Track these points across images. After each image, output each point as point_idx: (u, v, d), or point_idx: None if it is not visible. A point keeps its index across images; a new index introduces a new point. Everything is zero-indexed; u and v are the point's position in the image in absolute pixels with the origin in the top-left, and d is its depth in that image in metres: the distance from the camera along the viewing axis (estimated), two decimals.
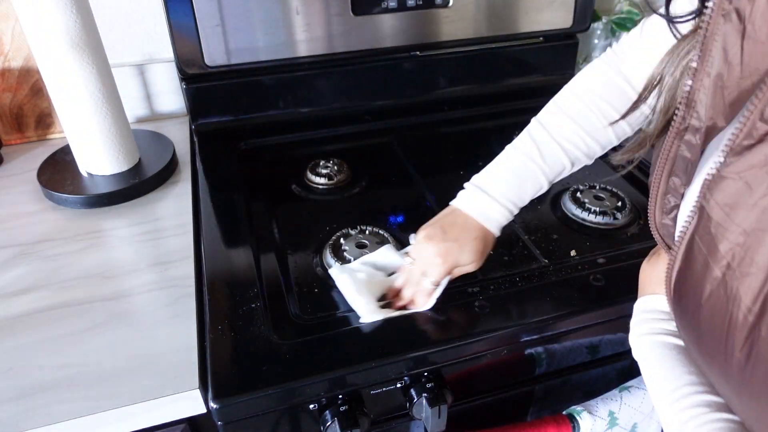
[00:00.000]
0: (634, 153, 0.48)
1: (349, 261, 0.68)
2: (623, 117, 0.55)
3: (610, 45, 1.29)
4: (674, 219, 0.42)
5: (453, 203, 0.62)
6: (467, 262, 0.60)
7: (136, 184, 0.82)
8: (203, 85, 0.94)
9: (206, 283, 0.65)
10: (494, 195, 0.60)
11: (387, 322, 0.59)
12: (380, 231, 0.72)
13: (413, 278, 0.61)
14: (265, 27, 0.89)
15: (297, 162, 0.90)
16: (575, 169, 0.63)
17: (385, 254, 0.66)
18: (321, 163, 0.88)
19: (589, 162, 0.63)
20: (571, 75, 1.16)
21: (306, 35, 0.92)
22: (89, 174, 0.83)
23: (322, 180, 0.86)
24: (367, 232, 0.73)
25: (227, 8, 0.86)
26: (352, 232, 0.72)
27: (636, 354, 0.47)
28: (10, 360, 0.57)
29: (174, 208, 0.80)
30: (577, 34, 1.10)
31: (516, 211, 0.61)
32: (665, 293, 0.42)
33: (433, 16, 0.96)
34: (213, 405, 0.52)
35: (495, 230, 0.61)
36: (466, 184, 0.63)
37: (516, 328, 0.60)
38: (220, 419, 0.53)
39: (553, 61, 1.12)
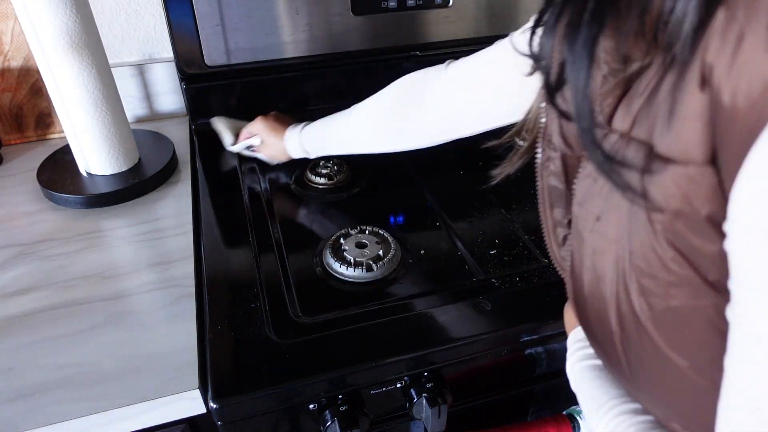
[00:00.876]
0: (507, 170, 0.51)
1: (349, 261, 0.68)
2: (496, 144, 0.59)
3: None
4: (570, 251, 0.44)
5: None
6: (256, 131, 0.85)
7: (136, 184, 0.82)
8: (203, 85, 0.94)
9: (206, 283, 0.65)
10: (303, 138, 0.80)
11: (388, 323, 0.60)
12: (380, 231, 0.72)
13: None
14: (265, 27, 0.89)
15: (297, 162, 0.90)
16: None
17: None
18: (321, 163, 0.88)
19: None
20: None
21: (306, 35, 0.92)
22: (89, 174, 0.83)
23: (322, 180, 0.86)
24: (367, 232, 0.73)
25: (227, 8, 0.86)
26: (352, 232, 0.72)
27: (571, 384, 0.49)
28: (10, 360, 0.57)
29: (174, 208, 0.80)
30: None
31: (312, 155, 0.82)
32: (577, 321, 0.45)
33: (433, 16, 0.96)
34: (213, 405, 0.52)
35: (292, 155, 0.83)
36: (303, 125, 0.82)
37: (516, 328, 0.60)
38: (220, 419, 0.53)
39: None
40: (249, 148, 0.87)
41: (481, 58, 0.63)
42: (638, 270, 0.32)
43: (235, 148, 0.89)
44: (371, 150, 0.75)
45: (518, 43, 0.54)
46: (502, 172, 0.51)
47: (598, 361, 0.46)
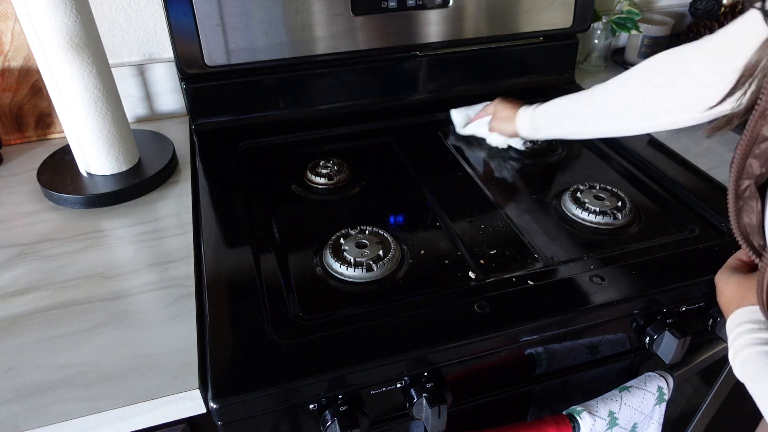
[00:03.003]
0: (720, 129, 0.50)
1: (349, 261, 0.68)
2: (717, 105, 0.55)
3: (609, 45, 1.28)
4: (760, 217, 0.42)
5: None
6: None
7: (136, 184, 0.82)
8: (203, 85, 0.94)
9: (206, 283, 0.65)
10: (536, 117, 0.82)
11: (388, 323, 0.60)
12: (380, 231, 0.72)
13: None
14: (265, 27, 0.89)
15: (297, 162, 0.90)
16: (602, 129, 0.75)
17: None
18: (321, 163, 0.88)
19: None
20: (571, 75, 1.17)
21: (306, 35, 0.92)
22: (89, 174, 0.83)
23: (322, 180, 0.86)
24: (367, 232, 0.73)
25: (227, 8, 0.86)
26: (352, 232, 0.72)
27: (739, 370, 0.45)
28: (10, 360, 0.57)
29: (174, 208, 0.80)
30: (577, 34, 1.10)
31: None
32: (758, 302, 0.42)
33: (433, 16, 0.96)
34: (213, 405, 0.52)
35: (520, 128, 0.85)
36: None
37: (516, 328, 0.60)
38: (220, 419, 0.53)
39: (553, 61, 1.12)
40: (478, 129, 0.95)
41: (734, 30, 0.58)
42: None
43: (467, 130, 0.97)
44: (610, 131, 0.74)
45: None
46: (719, 127, 0.50)
47: None
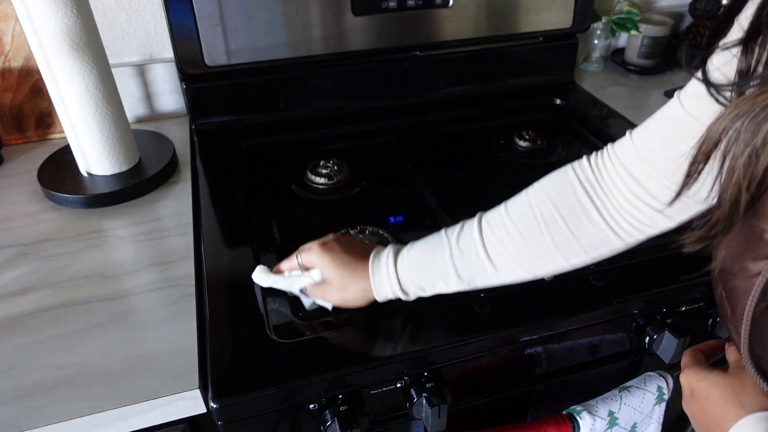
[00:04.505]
0: (708, 241, 0.41)
1: None
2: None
3: (609, 45, 1.28)
4: None
5: (372, 254, 0.59)
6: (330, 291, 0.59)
7: (136, 184, 0.82)
8: (203, 85, 0.94)
9: (206, 283, 0.65)
10: (399, 273, 0.56)
11: (389, 323, 0.60)
12: (380, 231, 0.72)
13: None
14: (265, 27, 0.89)
15: (297, 162, 0.90)
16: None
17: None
18: (321, 163, 0.88)
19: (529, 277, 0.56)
20: (571, 75, 1.17)
21: (306, 35, 0.92)
22: (89, 174, 0.83)
23: (322, 180, 0.86)
24: (367, 232, 0.72)
25: (227, 8, 0.86)
26: (352, 232, 0.72)
27: None
28: (10, 360, 0.57)
29: (174, 208, 0.80)
30: (577, 34, 1.10)
31: (411, 296, 0.58)
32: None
33: (433, 16, 0.96)
34: (213, 405, 0.52)
35: (379, 298, 0.58)
36: (391, 246, 0.59)
37: (516, 328, 0.60)
38: (220, 419, 0.53)
39: (553, 61, 1.12)
40: (302, 290, 0.61)
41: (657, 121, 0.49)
42: None
43: (280, 284, 0.62)
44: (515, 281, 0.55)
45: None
46: (706, 244, 0.41)
47: None
